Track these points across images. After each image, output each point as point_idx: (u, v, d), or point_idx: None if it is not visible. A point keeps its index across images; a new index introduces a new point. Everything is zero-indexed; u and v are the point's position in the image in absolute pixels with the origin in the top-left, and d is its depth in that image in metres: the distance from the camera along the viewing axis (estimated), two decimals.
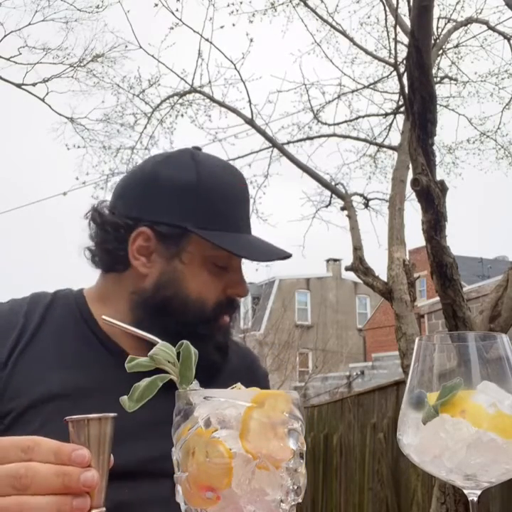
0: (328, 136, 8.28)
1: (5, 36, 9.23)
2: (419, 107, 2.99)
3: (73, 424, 0.75)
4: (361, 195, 7.76)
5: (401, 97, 6.73)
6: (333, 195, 7.57)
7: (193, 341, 1.15)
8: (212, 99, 7.83)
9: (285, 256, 1.27)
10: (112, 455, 0.77)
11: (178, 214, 1.20)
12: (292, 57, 8.51)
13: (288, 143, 8.06)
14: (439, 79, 7.97)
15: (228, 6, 7.88)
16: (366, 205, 7.72)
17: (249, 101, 7.19)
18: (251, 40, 7.81)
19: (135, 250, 1.22)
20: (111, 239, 1.23)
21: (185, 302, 1.20)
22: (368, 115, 8.38)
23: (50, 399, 1.14)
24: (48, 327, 1.23)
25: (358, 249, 5.99)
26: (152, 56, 7.55)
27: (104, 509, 0.75)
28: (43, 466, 0.72)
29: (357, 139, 8.45)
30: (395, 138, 7.96)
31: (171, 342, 1.11)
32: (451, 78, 8.34)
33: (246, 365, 1.40)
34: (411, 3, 3.72)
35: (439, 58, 7.59)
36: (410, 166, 3.67)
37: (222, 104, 7.79)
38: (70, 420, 0.75)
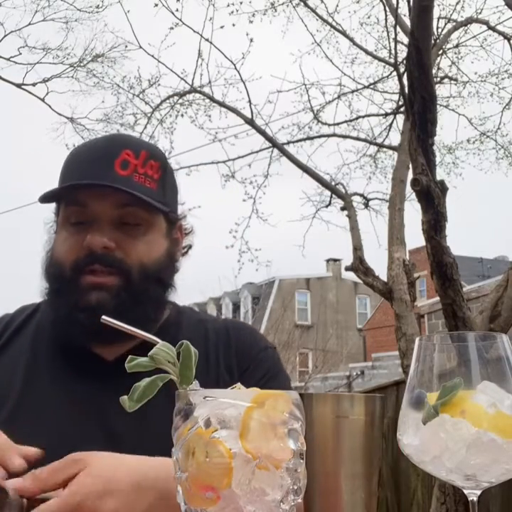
0: (328, 136, 8.28)
1: (5, 36, 9.22)
2: (419, 107, 2.99)
3: None
4: (361, 195, 7.76)
5: (401, 97, 6.73)
6: (333, 195, 7.56)
7: (56, 302, 1.19)
8: (212, 99, 7.82)
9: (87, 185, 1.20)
10: None
11: None
12: (292, 57, 8.49)
13: (288, 143, 8.05)
14: (439, 79, 7.95)
15: (228, 6, 7.86)
16: (366, 205, 7.72)
17: (249, 101, 7.19)
18: (251, 40, 7.80)
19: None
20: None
21: (49, 266, 1.25)
22: (368, 115, 8.37)
23: (9, 401, 1.19)
24: (23, 334, 1.29)
25: (358, 249, 5.99)
26: (152, 56, 7.54)
27: None
28: None
29: (357, 139, 8.44)
30: (395, 138, 7.96)
31: (53, 304, 1.15)
32: (451, 78, 8.33)
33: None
34: (411, 3, 3.72)
35: (439, 58, 7.57)
36: (410, 166, 3.67)
37: (222, 104, 7.78)
38: None
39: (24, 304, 1.36)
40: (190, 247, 1.38)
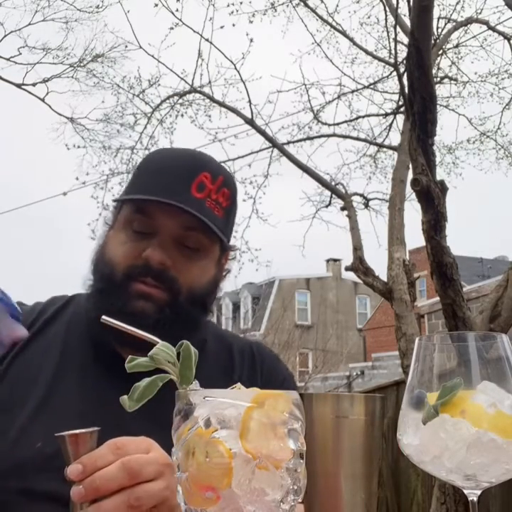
0: (328, 136, 8.27)
1: (5, 36, 9.23)
2: (419, 107, 2.99)
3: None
4: (361, 195, 7.76)
5: (401, 97, 6.73)
6: (333, 195, 7.55)
7: (101, 302, 1.19)
8: (212, 99, 7.82)
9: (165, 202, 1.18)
10: None
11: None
12: (292, 57, 8.48)
13: (288, 143, 8.05)
14: (439, 79, 7.95)
15: (228, 6, 7.86)
16: (366, 205, 7.72)
17: (249, 101, 7.18)
18: (251, 40, 7.80)
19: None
20: None
21: (99, 263, 1.25)
22: (368, 115, 8.36)
23: (36, 392, 1.18)
24: (55, 327, 1.28)
25: (358, 249, 5.99)
26: (152, 56, 7.54)
27: None
28: None
29: (357, 139, 8.44)
30: (395, 138, 7.96)
31: (96, 303, 1.18)
32: (451, 78, 8.32)
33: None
34: (411, 3, 3.72)
35: (439, 58, 7.57)
36: (410, 166, 3.67)
37: (222, 104, 7.78)
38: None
39: (55, 295, 1.35)
40: (229, 271, 1.39)
